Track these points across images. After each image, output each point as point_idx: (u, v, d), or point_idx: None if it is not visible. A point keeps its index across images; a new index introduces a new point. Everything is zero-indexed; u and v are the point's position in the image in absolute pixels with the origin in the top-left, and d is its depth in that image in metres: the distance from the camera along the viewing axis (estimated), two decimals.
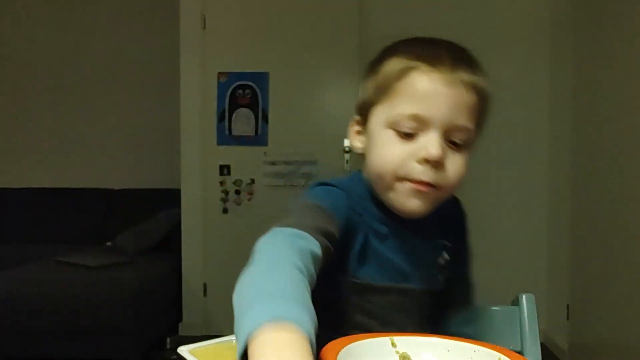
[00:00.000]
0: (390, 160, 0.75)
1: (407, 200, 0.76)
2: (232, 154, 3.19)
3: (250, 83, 3.16)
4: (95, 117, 4.04)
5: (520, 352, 0.92)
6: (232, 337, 0.71)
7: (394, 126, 0.75)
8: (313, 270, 0.61)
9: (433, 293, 0.84)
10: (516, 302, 0.97)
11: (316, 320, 0.51)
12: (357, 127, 0.84)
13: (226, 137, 3.18)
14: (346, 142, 3.16)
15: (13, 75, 4.06)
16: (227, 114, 3.17)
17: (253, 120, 3.17)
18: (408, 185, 0.75)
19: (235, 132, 3.18)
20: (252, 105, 3.17)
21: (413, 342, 0.69)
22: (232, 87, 3.16)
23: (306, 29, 3.10)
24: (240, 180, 3.18)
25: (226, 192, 3.18)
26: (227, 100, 3.17)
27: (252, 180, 3.18)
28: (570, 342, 2.77)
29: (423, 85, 0.73)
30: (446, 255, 0.85)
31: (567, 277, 2.83)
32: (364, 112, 0.81)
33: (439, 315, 0.87)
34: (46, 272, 2.78)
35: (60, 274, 2.74)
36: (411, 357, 0.67)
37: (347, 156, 3.13)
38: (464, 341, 0.69)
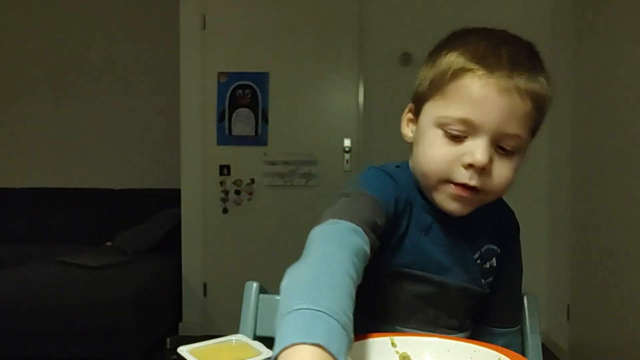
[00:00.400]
0: (436, 162, 0.75)
1: (449, 203, 0.77)
2: (232, 154, 3.19)
3: (250, 83, 3.16)
4: (96, 117, 4.04)
5: (521, 352, 0.92)
6: (232, 337, 0.71)
7: (443, 127, 0.74)
8: (361, 270, 0.61)
9: (472, 293, 0.83)
10: None
11: (352, 335, 0.52)
12: (409, 115, 0.84)
13: (226, 137, 3.18)
14: (346, 142, 3.16)
15: (13, 75, 4.06)
16: (227, 114, 3.17)
17: (253, 121, 3.17)
18: (451, 188, 0.75)
19: (235, 132, 3.18)
20: (252, 105, 3.17)
21: (413, 342, 0.69)
22: (232, 87, 3.16)
23: (306, 29, 3.10)
24: (240, 180, 3.18)
25: (226, 192, 3.18)
26: (227, 100, 3.17)
27: (252, 180, 3.18)
28: (571, 342, 2.77)
29: (477, 91, 0.71)
30: (494, 262, 0.85)
31: (567, 277, 2.83)
32: (418, 102, 0.81)
33: (482, 320, 0.88)
34: (46, 272, 2.78)
35: (60, 274, 2.74)
36: (411, 357, 0.67)
37: (347, 156, 3.14)
38: (464, 341, 0.69)
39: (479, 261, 0.84)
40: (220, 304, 3.16)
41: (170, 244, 3.29)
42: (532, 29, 3.44)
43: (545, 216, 3.16)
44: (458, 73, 0.73)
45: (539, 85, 0.72)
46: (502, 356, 0.65)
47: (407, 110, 0.85)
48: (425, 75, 0.78)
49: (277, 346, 0.48)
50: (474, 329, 0.88)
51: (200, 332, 3.12)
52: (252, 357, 0.65)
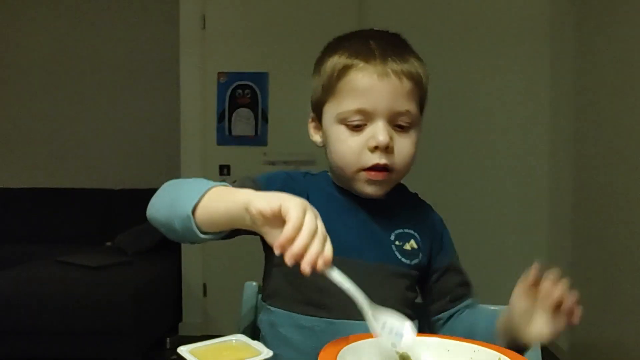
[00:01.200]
0: (346, 154, 0.84)
1: (366, 187, 0.86)
2: (232, 154, 3.19)
3: (250, 83, 3.16)
4: (96, 117, 4.04)
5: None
6: (231, 337, 0.71)
7: (343, 122, 0.84)
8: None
9: (392, 270, 0.88)
10: None
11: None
12: (314, 124, 0.95)
13: (226, 137, 3.18)
14: None
15: (13, 75, 4.06)
16: (227, 114, 3.17)
17: (253, 120, 3.17)
18: (364, 175, 0.84)
19: (235, 132, 3.18)
20: (252, 105, 3.17)
21: (413, 342, 0.69)
22: (232, 87, 3.16)
23: (306, 29, 3.10)
24: None
25: None
26: (227, 100, 3.17)
27: None
28: (571, 342, 2.77)
29: (361, 82, 0.82)
30: (414, 244, 0.90)
31: (567, 277, 2.82)
32: (317, 109, 0.91)
33: (427, 298, 0.94)
34: (46, 272, 2.78)
35: (60, 274, 2.74)
36: (411, 358, 0.67)
37: None
38: (464, 341, 0.69)
39: (396, 242, 0.89)
40: (220, 304, 3.16)
41: (170, 244, 3.28)
42: (532, 29, 3.47)
43: (545, 216, 3.16)
44: (342, 71, 0.83)
45: (409, 65, 0.83)
46: (502, 356, 0.66)
47: (309, 120, 0.95)
48: (317, 84, 0.89)
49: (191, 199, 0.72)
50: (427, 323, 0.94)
51: (200, 332, 3.12)
52: (251, 357, 0.65)
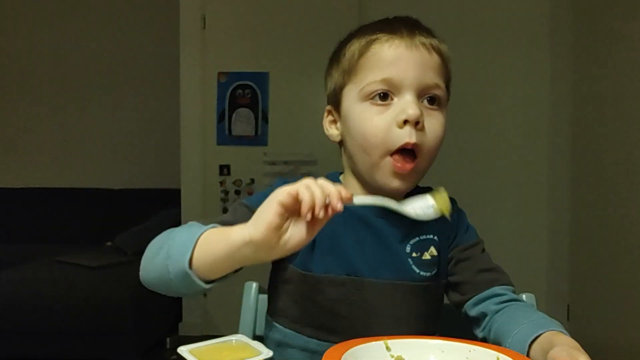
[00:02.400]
0: (372, 133, 0.75)
1: (391, 180, 0.77)
2: (232, 154, 3.19)
3: (250, 83, 3.16)
4: (95, 117, 4.04)
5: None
6: (231, 337, 0.71)
7: (368, 97, 0.76)
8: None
9: (411, 288, 0.80)
10: None
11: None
12: (330, 117, 0.86)
13: (226, 137, 3.18)
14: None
15: (13, 75, 4.06)
16: (227, 114, 3.17)
17: (253, 120, 3.17)
18: (390, 165, 0.75)
19: (235, 132, 3.18)
20: (252, 105, 3.17)
21: (407, 344, 0.68)
22: (232, 87, 3.16)
23: (306, 29, 3.10)
24: (240, 180, 3.19)
25: (226, 192, 3.18)
26: (227, 100, 3.17)
27: (252, 180, 3.18)
28: None
29: (387, 52, 0.76)
30: (433, 251, 0.82)
31: (567, 277, 2.83)
32: (335, 98, 0.82)
33: (458, 305, 0.85)
34: (46, 272, 2.78)
35: (60, 274, 2.74)
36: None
37: None
38: (459, 341, 0.69)
39: (413, 254, 0.81)
40: (220, 304, 3.16)
41: None
42: (532, 29, 3.46)
43: (545, 216, 3.16)
44: (365, 47, 0.77)
45: (438, 40, 0.78)
46: (501, 355, 0.65)
47: (326, 114, 0.86)
48: (335, 73, 0.82)
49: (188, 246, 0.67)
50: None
51: (200, 332, 3.12)
52: (252, 357, 0.65)
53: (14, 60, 4.05)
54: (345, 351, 0.63)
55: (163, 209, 3.41)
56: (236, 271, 0.73)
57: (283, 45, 3.13)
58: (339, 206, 0.60)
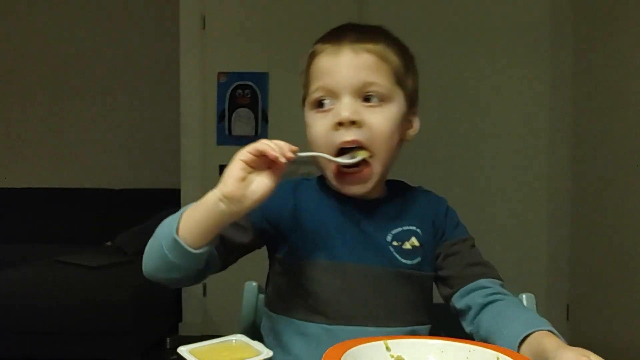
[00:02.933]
0: (316, 138, 0.84)
1: (347, 188, 0.84)
2: (232, 154, 3.13)
3: (250, 83, 3.17)
4: (95, 117, 4.04)
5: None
6: (231, 337, 0.71)
7: (313, 106, 0.84)
8: None
9: (396, 274, 0.84)
10: None
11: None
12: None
13: (226, 137, 3.18)
14: None
15: (13, 75, 4.06)
16: (227, 114, 3.17)
17: (253, 120, 3.17)
18: (339, 174, 0.83)
19: (235, 132, 3.18)
20: (252, 105, 3.17)
21: (407, 345, 0.69)
22: (232, 87, 3.16)
23: (306, 29, 3.08)
24: None
25: None
26: (227, 100, 3.17)
27: None
28: (570, 342, 2.76)
29: (321, 62, 0.83)
30: (415, 241, 0.86)
31: (567, 277, 2.83)
32: (303, 104, 0.91)
33: (447, 298, 0.87)
34: (46, 272, 2.78)
35: (60, 274, 2.74)
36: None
37: None
38: (458, 341, 0.69)
39: (394, 242, 0.85)
40: (220, 304, 3.16)
41: None
42: (531, 30, 3.46)
43: (545, 216, 3.16)
44: (308, 62, 0.86)
45: (370, 42, 0.82)
46: (501, 355, 0.65)
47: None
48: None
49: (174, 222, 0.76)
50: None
51: (200, 332, 3.12)
52: (251, 357, 0.65)
53: (14, 60, 4.06)
54: (345, 351, 0.63)
55: (163, 209, 3.38)
56: (233, 260, 0.84)
57: (283, 46, 3.13)
58: (288, 154, 0.74)
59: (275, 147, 0.73)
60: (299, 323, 0.83)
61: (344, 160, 0.79)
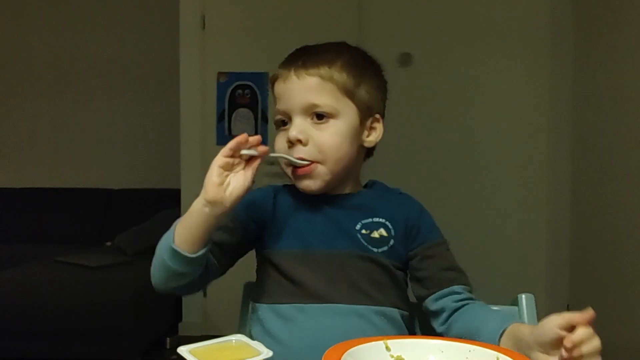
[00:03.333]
0: (278, 150, 0.93)
1: (299, 182, 0.93)
2: None
3: (249, 83, 3.17)
4: (95, 117, 4.04)
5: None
6: (232, 337, 0.71)
7: (277, 124, 0.96)
8: None
9: (363, 256, 0.91)
10: (516, 302, 0.98)
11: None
12: None
13: (226, 137, 3.18)
14: None
15: (13, 75, 4.07)
16: (226, 114, 3.18)
17: (252, 120, 3.18)
18: (293, 171, 0.92)
19: (234, 132, 3.18)
20: (252, 105, 3.17)
21: (407, 344, 0.69)
22: (232, 87, 3.17)
23: (306, 29, 3.09)
24: None
25: None
26: (226, 100, 3.17)
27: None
28: None
29: (276, 88, 0.96)
30: (383, 232, 0.93)
31: (566, 277, 2.83)
32: None
33: (420, 299, 0.93)
34: (46, 272, 2.79)
35: (59, 274, 2.75)
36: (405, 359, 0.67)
37: None
38: (458, 341, 0.70)
39: (363, 230, 0.92)
40: (220, 304, 3.16)
41: None
42: (531, 30, 3.46)
43: (544, 216, 3.16)
44: (271, 83, 0.99)
45: (315, 65, 0.92)
46: (501, 355, 0.66)
47: None
48: None
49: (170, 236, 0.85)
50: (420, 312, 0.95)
51: (200, 332, 3.12)
52: (251, 357, 0.65)
53: (14, 60, 4.06)
54: (345, 351, 0.63)
55: (163, 209, 3.41)
56: (231, 264, 0.94)
57: (283, 46, 3.09)
58: (260, 148, 0.85)
59: (242, 140, 0.83)
60: (276, 307, 0.90)
61: (295, 160, 0.90)
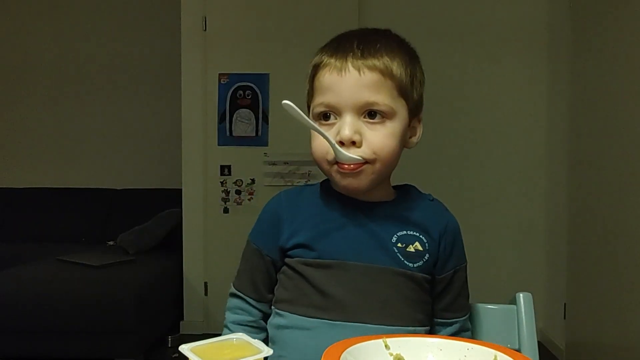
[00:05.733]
0: (318, 149, 0.85)
1: (342, 180, 0.85)
2: (232, 154, 3.20)
3: (250, 84, 3.18)
4: (98, 118, 4.05)
5: (518, 351, 0.94)
6: (233, 336, 0.72)
7: (317, 118, 0.86)
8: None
9: (398, 273, 0.86)
10: (514, 301, 0.98)
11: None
12: None
13: (227, 137, 3.19)
14: None
15: (14, 75, 4.08)
16: (227, 114, 3.19)
17: (253, 121, 3.19)
18: (336, 167, 0.84)
19: (236, 133, 3.19)
20: (253, 106, 3.18)
21: (406, 343, 0.70)
22: (233, 88, 3.18)
23: (306, 30, 3.11)
24: (241, 181, 3.20)
25: (227, 192, 3.20)
26: (227, 101, 3.18)
27: (253, 180, 3.20)
28: (568, 341, 2.78)
29: (324, 79, 0.85)
30: (419, 246, 0.88)
31: (564, 276, 2.84)
32: (308, 110, 0.91)
33: (436, 302, 0.91)
34: (49, 271, 2.80)
35: (62, 273, 2.76)
36: (405, 358, 0.68)
37: None
38: (457, 339, 0.70)
39: (399, 244, 0.87)
40: (221, 303, 3.16)
41: (171, 243, 3.30)
42: (529, 32, 3.47)
43: (542, 215, 3.18)
44: (313, 71, 0.88)
45: (374, 58, 0.83)
46: (499, 353, 0.66)
47: None
48: (307, 83, 0.91)
49: None
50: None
51: (201, 330, 3.14)
52: (252, 355, 0.66)
53: (16, 61, 4.07)
54: (345, 349, 0.64)
55: (164, 209, 3.43)
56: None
57: (283, 47, 3.14)
58: None
59: None
60: (302, 319, 0.86)
61: (346, 153, 0.81)
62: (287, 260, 0.90)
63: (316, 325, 0.84)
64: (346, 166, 0.82)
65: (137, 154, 4.01)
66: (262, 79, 3.18)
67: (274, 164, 3.17)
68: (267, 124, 3.18)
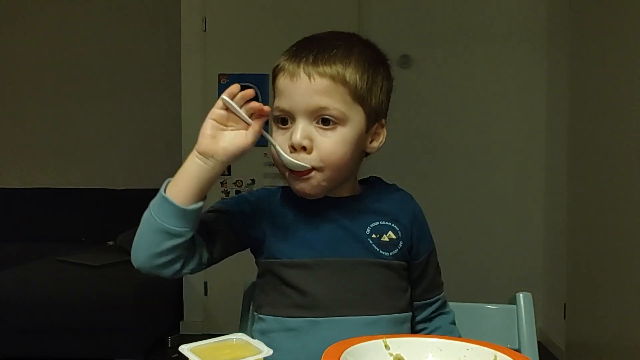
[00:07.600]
0: (273, 153, 0.87)
1: (295, 184, 0.86)
2: None
3: (250, 85, 3.17)
4: (98, 118, 4.05)
5: (518, 351, 0.94)
6: (232, 336, 0.72)
7: (275, 121, 0.88)
8: None
9: (375, 262, 0.88)
10: (513, 301, 0.99)
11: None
12: None
13: None
14: None
15: (14, 75, 4.08)
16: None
17: None
18: (289, 171, 0.85)
19: None
20: None
21: (406, 343, 0.70)
22: None
23: (306, 31, 3.09)
24: (241, 181, 3.20)
25: (227, 193, 3.20)
26: None
27: (253, 181, 3.20)
28: (567, 341, 2.78)
29: (280, 82, 0.87)
30: (392, 234, 0.90)
31: (564, 276, 2.84)
32: None
33: (415, 288, 0.95)
34: (48, 271, 2.80)
35: (62, 273, 2.76)
36: (405, 359, 0.68)
37: None
38: (456, 339, 0.70)
39: (373, 235, 0.89)
40: (221, 303, 3.17)
41: None
42: (528, 32, 3.47)
43: (541, 215, 3.18)
44: (275, 72, 0.89)
45: (328, 66, 0.83)
46: (499, 353, 0.66)
47: None
48: None
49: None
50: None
51: (201, 331, 3.14)
52: (252, 356, 0.66)
53: (16, 61, 4.07)
54: (345, 350, 0.64)
55: None
56: (225, 255, 0.89)
57: (283, 47, 3.12)
58: (265, 108, 0.79)
59: (234, 91, 0.79)
60: (285, 320, 0.87)
61: (295, 162, 0.83)
62: (263, 262, 0.91)
63: (300, 324, 0.85)
64: (295, 171, 0.84)
65: (137, 154, 4.01)
66: (262, 80, 3.17)
67: (273, 164, 3.16)
68: (267, 124, 3.18)
